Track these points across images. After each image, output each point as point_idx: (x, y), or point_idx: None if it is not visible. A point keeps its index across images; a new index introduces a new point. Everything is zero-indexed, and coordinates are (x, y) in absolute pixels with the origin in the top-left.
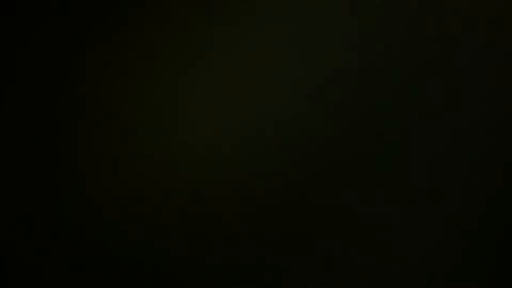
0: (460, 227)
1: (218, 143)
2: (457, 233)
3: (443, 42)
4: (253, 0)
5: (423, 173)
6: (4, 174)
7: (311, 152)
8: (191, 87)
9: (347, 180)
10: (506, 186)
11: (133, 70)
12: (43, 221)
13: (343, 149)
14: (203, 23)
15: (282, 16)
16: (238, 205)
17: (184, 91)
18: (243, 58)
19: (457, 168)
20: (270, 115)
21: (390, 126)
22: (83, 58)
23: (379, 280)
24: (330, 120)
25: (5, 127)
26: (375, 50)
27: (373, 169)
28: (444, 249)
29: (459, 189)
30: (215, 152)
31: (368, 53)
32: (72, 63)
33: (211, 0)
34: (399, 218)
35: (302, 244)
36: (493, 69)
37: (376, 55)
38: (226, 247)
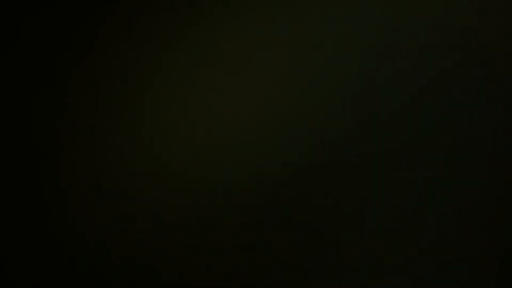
0: (460, 228)
1: (218, 146)
2: (456, 234)
3: (449, 51)
4: (254, 1)
5: (424, 176)
6: None
7: (312, 154)
8: (189, 89)
9: (348, 182)
10: (507, 189)
11: (131, 71)
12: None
13: (345, 151)
14: (203, 23)
15: (282, 17)
16: (238, 206)
17: (181, 93)
18: (243, 58)
19: (458, 170)
20: (271, 116)
21: (393, 128)
22: (76, 59)
23: (378, 280)
24: (331, 121)
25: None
26: (378, 53)
27: (375, 171)
28: (443, 250)
29: (460, 190)
30: (214, 155)
31: (372, 55)
32: (65, 64)
33: (212, 1)
34: (400, 220)
35: (302, 245)
36: (493, 75)
37: (379, 58)
38: (228, 246)
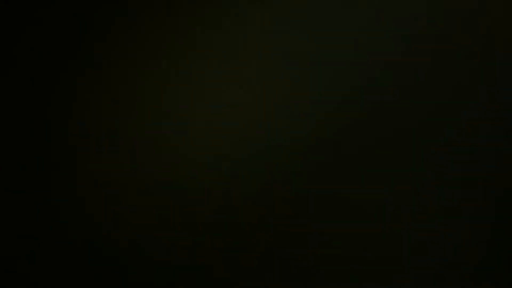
0: (460, 222)
1: (219, 146)
2: (456, 229)
3: (444, 44)
4: (253, 2)
5: (423, 173)
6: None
7: (312, 152)
8: (191, 90)
9: (349, 178)
10: (506, 181)
11: (132, 71)
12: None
13: (345, 148)
14: (204, 24)
15: (282, 17)
16: (240, 204)
17: (183, 94)
18: (243, 58)
19: (457, 165)
20: (272, 115)
21: (392, 124)
22: (78, 59)
23: (379, 276)
24: (332, 120)
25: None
26: (376, 50)
27: (375, 167)
28: (443, 245)
29: (458, 185)
30: (215, 155)
31: (370, 53)
32: (68, 63)
33: (213, 1)
34: (399, 219)
35: (303, 240)
36: (492, 71)
37: (377, 55)
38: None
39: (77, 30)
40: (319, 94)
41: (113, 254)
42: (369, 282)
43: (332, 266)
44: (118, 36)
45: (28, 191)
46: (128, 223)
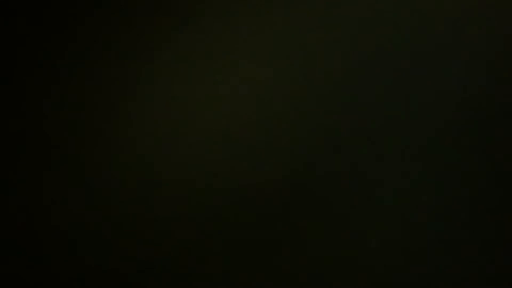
0: (460, 223)
1: (215, 147)
2: (456, 229)
3: (439, 40)
4: (252, 2)
5: (420, 175)
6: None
7: (311, 151)
8: (190, 90)
9: (347, 178)
10: (506, 181)
11: (132, 72)
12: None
13: (344, 147)
14: (202, 24)
15: (280, 18)
16: (234, 204)
17: (182, 94)
18: (242, 59)
19: (457, 164)
20: (267, 117)
21: (392, 124)
22: (80, 58)
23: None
24: (331, 119)
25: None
26: (371, 50)
27: (374, 167)
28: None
29: (458, 185)
30: (211, 156)
31: (365, 52)
32: (69, 64)
33: (213, 2)
34: (399, 220)
35: (298, 246)
36: (490, 69)
37: (372, 54)
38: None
39: (74, 29)
40: (319, 93)
41: (112, 253)
42: (368, 282)
43: (331, 266)
44: (113, 35)
45: (27, 190)
46: (126, 222)
